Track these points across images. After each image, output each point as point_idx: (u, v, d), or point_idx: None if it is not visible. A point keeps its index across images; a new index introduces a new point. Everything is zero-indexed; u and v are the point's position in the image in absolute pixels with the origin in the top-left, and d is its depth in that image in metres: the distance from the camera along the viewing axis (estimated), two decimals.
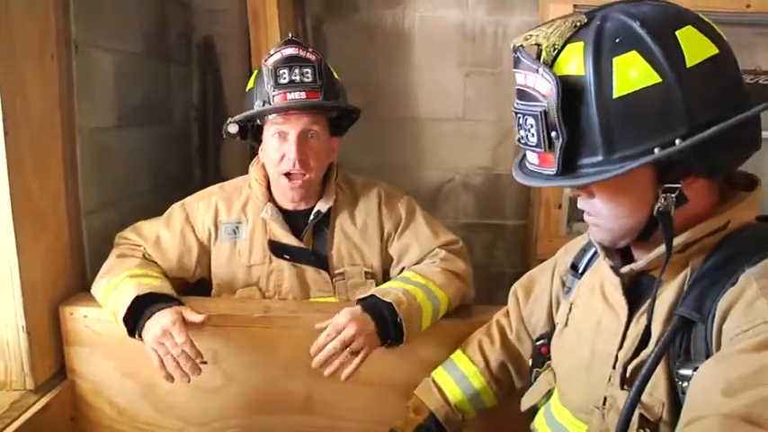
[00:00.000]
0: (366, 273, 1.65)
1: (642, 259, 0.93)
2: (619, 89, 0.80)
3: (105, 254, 1.60)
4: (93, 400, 1.57)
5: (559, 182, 0.86)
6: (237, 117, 1.56)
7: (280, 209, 1.65)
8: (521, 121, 0.86)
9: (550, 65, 0.83)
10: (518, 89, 0.87)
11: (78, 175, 1.64)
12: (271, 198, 1.65)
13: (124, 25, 1.94)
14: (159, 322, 1.36)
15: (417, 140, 2.56)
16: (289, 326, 1.51)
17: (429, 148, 2.56)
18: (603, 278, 1.02)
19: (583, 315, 1.06)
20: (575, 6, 2.11)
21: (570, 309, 1.10)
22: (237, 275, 1.64)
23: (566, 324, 1.10)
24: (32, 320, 1.45)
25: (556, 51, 0.84)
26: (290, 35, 1.61)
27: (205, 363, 1.40)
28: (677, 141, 0.79)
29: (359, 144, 2.29)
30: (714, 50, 0.83)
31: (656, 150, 0.80)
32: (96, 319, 1.53)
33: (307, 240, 1.65)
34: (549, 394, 1.14)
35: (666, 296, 0.91)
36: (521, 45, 0.86)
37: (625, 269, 0.96)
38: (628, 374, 0.93)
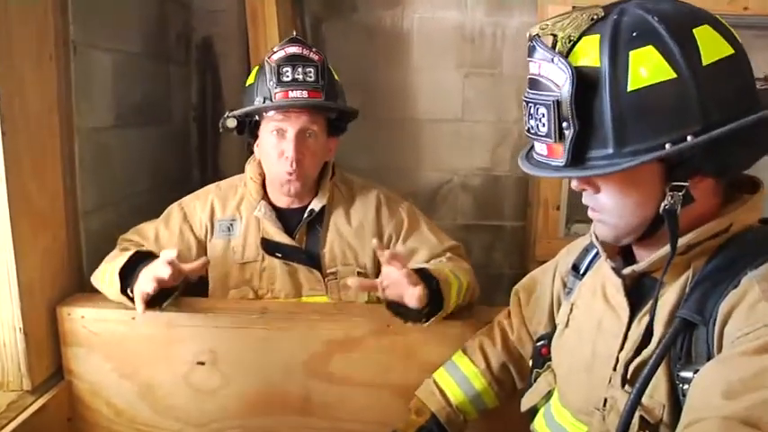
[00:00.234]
0: (358, 273, 1.65)
1: (644, 260, 0.93)
2: (633, 83, 0.80)
3: (103, 254, 1.59)
4: (90, 401, 1.57)
5: (568, 173, 0.86)
6: (237, 111, 1.57)
7: (274, 207, 1.66)
8: (531, 111, 0.86)
9: (566, 55, 0.83)
10: (530, 78, 0.87)
11: (76, 176, 1.64)
12: (265, 196, 1.66)
13: (123, 25, 1.94)
14: (149, 269, 1.37)
15: (416, 141, 2.56)
16: (287, 327, 1.51)
17: (428, 148, 2.56)
18: (605, 279, 1.02)
19: (584, 316, 1.06)
20: (573, 7, 2.10)
21: (571, 310, 1.10)
22: (231, 272, 1.65)
23: (566, 325, 1.10)
24: (30, 321, 1.44)
25: (571, 43, 0.84)
26: (294, 34, 1.62)
27: (202, 363, 1.39)
28: (689, 138, 0.79)
29: (357, 144, 2.29)
30: (730, 51, 0.83)
31: (667, 146, 0.80)
32: (94, 320, 1.52)
33: (299, 239, 1.66)
34: (548, 395, 1.13)
35: (668, 298, 0.91)
36: (536, 34, 0.85)
37: (627, 270, 0.96)
38: (628, 376, 0.92)
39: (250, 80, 1.62)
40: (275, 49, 1.55)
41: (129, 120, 1.97)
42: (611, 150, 0.82)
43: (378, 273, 1.66)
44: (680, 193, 0.85)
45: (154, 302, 1.41)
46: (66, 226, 1.58)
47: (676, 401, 0.86)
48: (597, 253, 1.06)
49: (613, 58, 0.81)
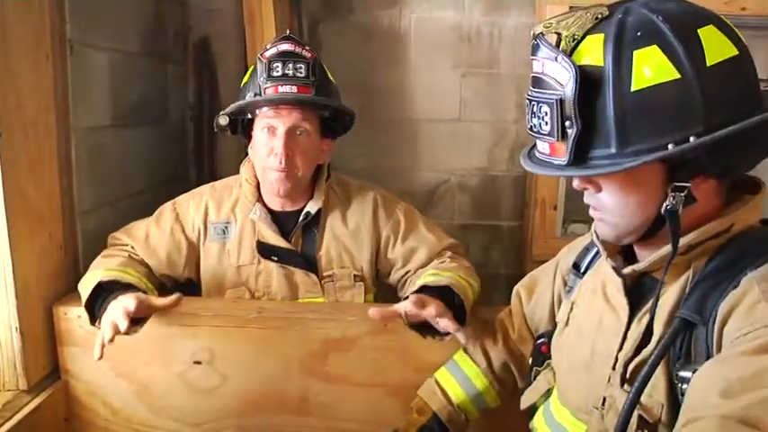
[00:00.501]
0: (355, 276, 1.65)
1: (645, 260, 0.93)
2: (637, 82, 0.80)
3: (99, 254, 1.59)
4: (86, 401, 1.56)
5: (570, 172, 0.86)
6: (229, 108, 1.56)
7: (269, 210, 1.65)
8: (534, 109, 0.86)
9: (569, 54, 0.83)
10: (534, 77, 0.87)
11: (73, 175, 1.63)
12: (260, 198, 1.65)
13: (120, 25, 1.93)
14: (118, 303, 1.35)
15: (413, 141, 2.55)
16: (283, 326, 1.51)
17: (425, 149, 2.56)
18: (605, 278, 1.02)
19: (584, 315, 1.06)
20: (570, 7, 2.10)
21: (571, 308, 1.10)
22: (226, 276, 1.64)
23: (566, 323, 1.10)
24: (26, 320, 1.44)
25: (575, 42, 0.84)
26: (287, 32, 1.61)
27: (199, 363, 1.39)
28: (692, 139, 0.79)
29: (355, 145, 2.29)
30: (734, 51, 0.83)
31: (669, 146, 0.80)
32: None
33: (295, 242, 1.65)
34: (548, 393, 1.14)
35: (668, 298, 0.91)
36: (541, 33, 0.85)
37: (627, 270, 0.96)
38: (627, 375, 0.93)
39: (245, 79, 1.62)
40: (268, 46, 1.54)
41: (125, 119, 1.97)
42: (613, 150, 0.82)
43: (374, 275, 1.67)
44: (682, 194, 0.85)
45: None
46: (62, 225, 1.58)
47: (675, 401, 0.86)
48: (598, 252, 1.06)
49: (617, 57, 0.81)
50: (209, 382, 1.53)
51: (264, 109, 1.54)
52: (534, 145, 0.92)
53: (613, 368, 0.95)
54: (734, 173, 0.90)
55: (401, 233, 1.66)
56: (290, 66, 1.50)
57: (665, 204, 0.85)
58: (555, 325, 1.17)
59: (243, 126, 1.60)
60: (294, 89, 1.50)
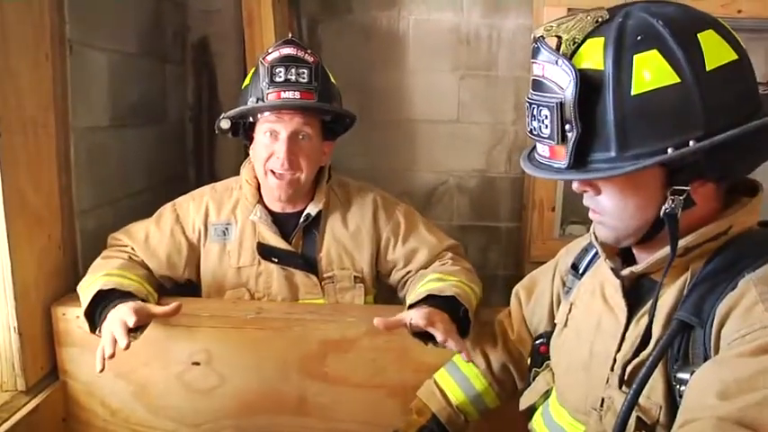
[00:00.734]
0: (355, 277, 1.65)
1: (643, 262, 0.94)
2: (637, 86, 0.80)
3: (99, 254, 1.59)
4: (85, 401, 1.56)
5: (569, 175, 0.86)
6: (230, 112, 1.56)
7: (269, 211, 1.65)
8: (534, 112, 0.86)
9: (569, 58, 0.83)
10: (534, 80, 0.87)
11: (72, 175, 1.63)
12: (260, 200, 1.65)
13: (119, 25, 1.94)
14: (117, 313, 1.35)
15: (412, 143, 2.56)
16: (282, 327, 1.51)
17: (423, 150, 2.56)
18: (604, 280, 1.02)
19: (582, 316, 1.06)
20: (568, 9, 2.12)
21: (570, 309, 1.10)
22: (227, 277, 1.64)
23: (565, 324, 1.10)
24: (24, 321, 1.44)
25: (576, 45, 0.84)
26: (289, 35, 1.62)
27: (197, 363, 1.39)
28: (691, 143, 0.80)
29: (353, 146, 2.29)
30: (733, 56, 0.83)
31: (669, 150, 0.80)
32: None
33: (296, 243, 1.65)
34: (547, 394, 1.14)
35: (666, 300, 0.91)
36: (541, 36, 0.85)
37: (625, 272, 0.96)
38: (626, 376, 0.93)
39: (246, 82, 1.61)
40: (270, 50, 1.54)
41: (124, 119, 1.97)
42: (613, 153, 0.82)
43: (374, 276, 1.67)
44: (681, 197, 0.85)
45: None
46: (61, 226, 1.58)
47: (673, 402, 0.87)
48: (596, 253, 1.06)
49: (617, 61, 0.81)
50: (207, 383, 1.53)
51: (266, 114, 1.54)
52: (534, 147, 0.93)
53: (612, 369, 0.96)
54: (733, 176, 0.90)
55: (401, 234, 1.67)
56: (293, 71, 1.50)
57: (664, 208, 0.85)
58: (554, 326, 1.17)
59: (244, 129, 1.60)
60: (297, 95, 1.51)
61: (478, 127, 2.53)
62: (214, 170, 2.48)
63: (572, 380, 1.04)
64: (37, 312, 1.50)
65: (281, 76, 1.50)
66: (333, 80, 1.63)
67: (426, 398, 1.37)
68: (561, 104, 0.82)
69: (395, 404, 1.50)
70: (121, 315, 1.33)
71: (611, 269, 0.98)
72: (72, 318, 1.52)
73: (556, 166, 0.86)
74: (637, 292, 0.97)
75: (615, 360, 0.96)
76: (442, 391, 1.35)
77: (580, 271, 1.13)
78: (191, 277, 1.66)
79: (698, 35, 0.82)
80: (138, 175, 2.08)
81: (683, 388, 0.84)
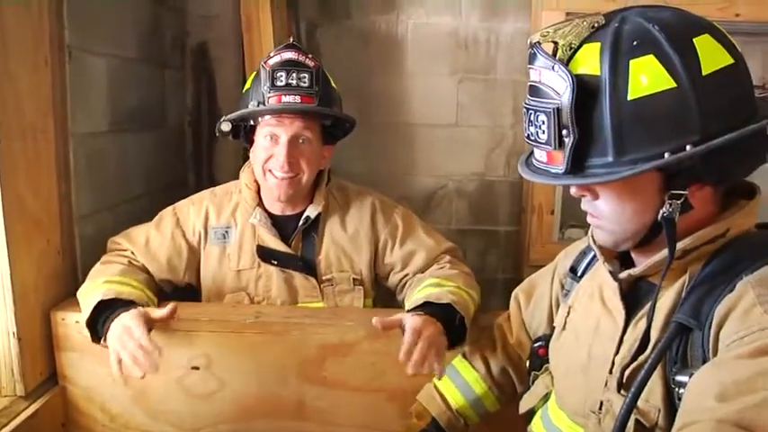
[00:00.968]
0: (354, 279, 1.66)
1: (641, 265, 0.94)
2: (633, 91, 0.80)
3: (98, 259, 1.59)
4: (84, 406, 1.56)
5: (567, 180, 0.86)
6: (231, 115, 1.57)
7: (269, 214, 1.65)
8: (531, 118, 0.86)
9: (566, 63, 0.83)
10: (531, 85, 0.87)
11: (71, 180, 1.63)
12: (260, 203, 1.65)
13: (118, 30, 1.94)
14: (119, 322, 1.34)
15: (410, 147, 2.56)
16: (280, 331, 1.51)
17: (422, 154, 2.57)
18: (602, 282, 1.02)
19: (581, 318, 1.06)
20: (567, 14, 2.13)
21: (568, 312, 1.10)
22: (226, 280, 1.64)
23: (564, 327, 1.10)
24: (24, 326, 1.44)
25: (572, 50, 0.85)
26: (291, 40, 1.63)
27: (197, 368, 1.39)
28: (688, 148, 0.80)
29: (352, 150, 2.29)
30: (729, 60, 0.83)
31: (666, 155, 0.80)
32: None
33: (295, 246, 1.66)
34: (546, 397, 1.14)
35: (664, 302, 0.91)
36: (537, 42, 0.86)
37: (623, 275, 0.96)
38: (624, 379, 0.93)
39: (247, 85, 1.62)
40: (271, 54, 1.55)
41: (123, 125, 1.97)
42: (610, 158, 0.83)
43: (373, 278, 1.68)
44: (678, 201, 0.85)
45: None
46: (60, 231, 1.58)
47: (672, 405, 0.87)
48: (595, 256, 1.06)
49: (614, 66, 0.81)
50: (206, 388, 1.53)
51: (267, 117, 1.55)
52: (532, 153, 0.93)
53: (610, 372, 0.96)
54: (730, 180, 0.90)
55: (399, 237, 1.67)
56: (294, 75, 1.51)
57: (661, 212, 0.86)
58: (553, 329, 1.17)
59: (245, 131, 1.61)
60: (297, 99, 1.51)
61: (477, 130, 2.54)
62: (213, 175, 2.49)
63: (571, 383, 1.04)
64: (36, 317, 1.49)
65: (282, 81, 1.51)
66: (333, 84, 1.64)
67: (426, 402, 1.36)
68: (558, 110, 0.82)
69: (394, 408, 1.50)
70: (125, 323, 1.33)
71: (610, 272, 0.98)
72: (71, 323, 1.52)
73: (553, 171, 0.87)
74: (635, 295, 0.97)
75: (613, 363, 0.96)
76: (441, 395, 1.35)
77: (578, 274, 1.13)
78: (191, 281, 1.67)
79: (694, 40, 0.82)
80: (137, 181, 2.08)
81: (681, 391, 0.84)
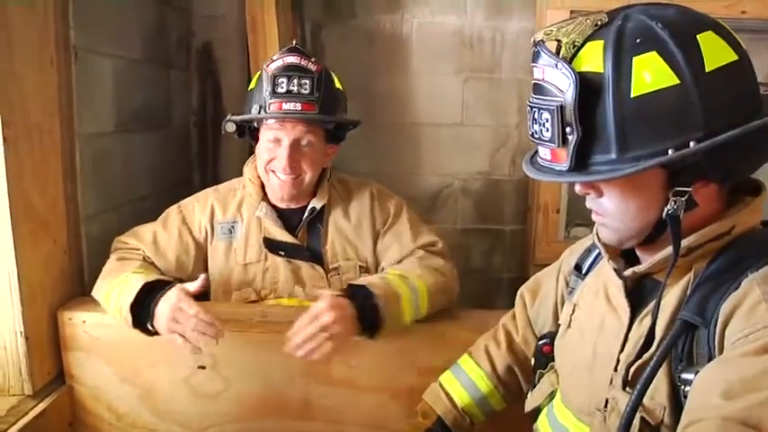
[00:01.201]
0: (360, 267, 1.67)
1: (646, 262, 0.94)
2: (636, 88, 0.80)
3: (104, 259, 1.60)
4: (91, 406, 1.57)
5: (571, 178, 0.86)
6: (236, 118, 1.59)
7: (274, 207, 1.67)
8: (535, 116, 0.86)
9: (569, 61, 0.83)
10: (535, 84, 0.87)
11: (77, 181, 1.64)
12: (265, 197, 1.67)
13: (123, 31, 1.95)
14: (167, 304, 1.38)
15: (416, 146, 2.56)
16: (287, 330, 1.50)
17: (427, 153, 2.57)
18: (607, 280, 1.02)
19: (586, 316, 1.06)
20: (571, 12, 2.12)
21: (573, 310, 1.10)
22: (233, 274, 1.66)
23: (569, 325, 1.10)
24: (31, 325, 1.45)
25: (575, 48, 0.84)
26: (293, 43, 1.63)
27: (203, 367, 1.40)
28: (692, 144, 0.79)
29: (357, 150, 2.29)
30: (733, 57, 0.83)
31: (670, 152, 0.80)
32: (95, 324, 1.53)
33: (301, 237, 1.67)
34: (552, 395, 1.14)
35: (669, 300, 0.91)
36: (541, 40, 0.86)
37: (628, 272, 0.96)
38: (629, 377, 0.92)
39: (252, 84, 1.64)
40: (274, 58, 1.56)
41: (129, 125, 1.98)
42: (614, 155, 0.82)
43: (377, 266, 1.69)
44: (683, 199, 0.85)
45: None
46: (67, 231, 1.59)
47: (677, 403, 0.86)
48: (599, 253, 1.06)
49: (617, 63, 0.81)
50: (213, 387, 1.54)
51: (270, 121, 1.56)
52: (536, 151, 0.93)
53: (615, 370, 0.95)
54: (735, 177, 0.90)
55: (386, 227, 1.69)
56: (295, 81, 1.52)
57: (666, 209, 0.85)
58: (558, 327, 1.17)
59: (250, 130, 1.63)
60: (298, 106, 1.52)
61: (482, 130, 2.54)
62: (218, 175, 2.49)
63: (576, 381, 1.04)
64: (43, 317, 1.50)
65: (282, 87, 1.52)
66: (338, 85, 1.65)
67: (432, 401, 1.36)
68: (562, 107, 0.82)
69: (399, 407, 1.50)
70: (173, 303, 1.37)
71: (614, 270, 0.98)
72: (78, 322, 1.53)
73: (557, 168, 0.87)
74: (639, 293, 0.97)
75: (618, 361, 0.95)
76: (447, 394, 1.35)
77: (583, 271, 1.13)
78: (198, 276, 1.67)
79: (697, 36, 0.82)
80: (142, 181, 2.09)
81: (687, 388, 0.83)
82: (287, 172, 1.55)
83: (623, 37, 0.82)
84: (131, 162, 2.00)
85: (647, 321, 0.92)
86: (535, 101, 0.87)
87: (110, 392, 1.56)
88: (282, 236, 1.64)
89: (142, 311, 1.41)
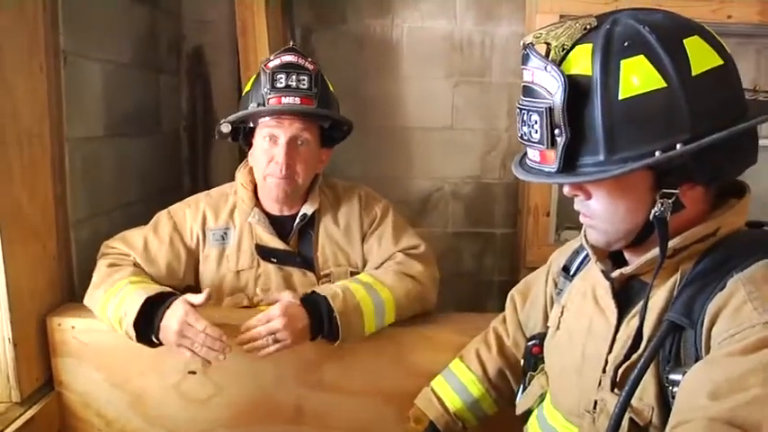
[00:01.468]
0: (351, 273, 1.66)
1: (633, 263, 0.94)
2: (624, 91, 0.81)
3: (94, 264, 1.58)
4: (80, 412, 1.56)
5: (559, 179, 0.87)
6: (231, 117, 1.59)
7: (266, 214, 1.66)
8: (524, 118, 0.87)
9: (558, 64, 0.84)
10: (524, 86, 0.88)
11: (67, 185, 1.64)
12: (257, 203, 1.66)
13: (113, 35, 1.94)
14: (173, 317, 1.37)
15: (406, 150, 2.57)
16: None
17: (418, 157, 2.58)
18: (595, 282, 1.03)
19: (574, 318, 1.07)
20: (560, 16, 2.13)
21: (562, 312, 1.11)
22: (226, 281, 1.65)
23: (557, 327, 1.11)
24: (19, 331, 1.44)
25: (564, 51, 0.85)
26: (291, 43, 1.65)
27: (193, 372, 1.39)
28: (678, 146, 0.80)
29: (348, 154, 2.30)
30: (719, 61, 0.84)
31: (657, 153, 0.81)
32: (84, 330, 1.52)
33: (293, 244, 1.67)
34: (542, 397, 1.14)
35: (656, 301, 0.92)
36: (530, 43, 0.86)
37: (615, 273, 0.97)
38: (618, 378, 0.93)
39: (246, 88, 1.64)
40: (271, 57, 1.57)
41: (119, 129, 1.98)
42: (602, 157, 0.83)
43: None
44: (670, 201, 0.86)
45: None
46: (56, 235, 1.58)
47: (665, 404, 0.87)
48: (587, 254, 1.07)
49: (605, 66, 0.82)
50: (203, 392, 1.53)
51: (266, 118, 1.56)
52: (525, 153, 0.94)
53: (604, 371, 0.96)
54: (722, 179, 0.91)
55: (371, 230, 1.70)
56: (294, 77, 1.53)
57: (653, 211, 0.86)
58: (548, 328, 1.18)
59: (244, 134, 1.63)
60: (297, 100, 1.53)
61: (472, 133, 2.55)
62: (209, 180, 2.49)
63: (565, 382, 1.05)
64: (32, 323, 1.49)
65: (281, 82, 1.53)
66: (331, 88, 1.65)
67: (424, 406, 1.37)
68: (550, 109, 0.83)
69: (391, 411, 1.50)
70: (180, 317, 1.37)
71: (602, 271, 0.99)
72: (67, 328, 1.52)
73: (546, 170, 0.87)
74: (627, 294, 0.98)
75: (607, 362, 0.96)
76: (439, 399, 1.35)
77: (571, 272, 1.14)
78: (189, 283, 1.66)
79: (684, 41, 0.83)
80: (132, 185, 2.08)
81: (675, 389, 0.84)
82: (283, 171, 1.55)
83: (612, 40, 0.83)
84: (121, 167, 2.00)
85: (635, 322, 0.92)
86: (524, 103, 0.88)
87: (99, 398, 1.55)
88: (274, 242, 1.64)
89: (146, 326, 1.40)
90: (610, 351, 0.96)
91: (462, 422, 1.35)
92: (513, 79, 2.45)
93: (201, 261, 1.65)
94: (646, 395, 0.88)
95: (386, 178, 2.53)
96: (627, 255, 0.98)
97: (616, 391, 0.93)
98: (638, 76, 0.81)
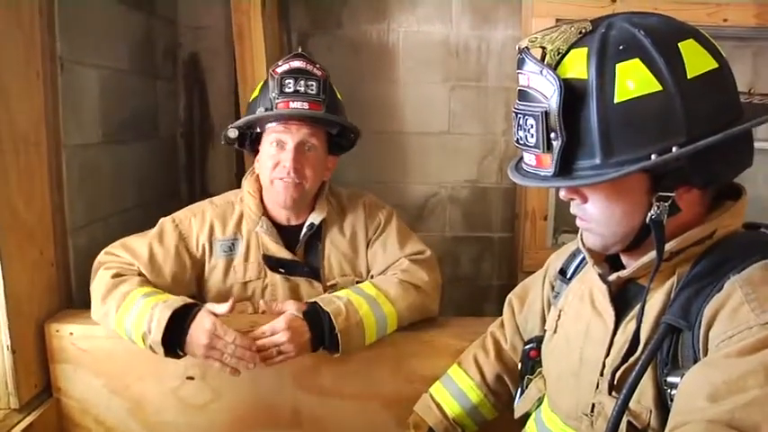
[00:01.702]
0: (357, 282, 1.65)
1: (630, 267, 0.95)
2: (620, 94, 0.82)
3: (91, 270, 1.58)
4: (79, 419, 1.56)
5: (555, 183, 0.87)
6: (239, 122, 1.59)
7: (274, 223, 1.65)
8: (520, 122, 0.88)
9: (554, 68, 0.85)
10: (520, 90, 0.89)
11: (64, 192, 1.64)
12: (264, 212, 1.65)
13: (110, 42, 1.95)
14: (201, 330, 1.36)
15: (403, 155, 2.57)
16: None
17: (415, 162, 2.58)
18: (592, 285, 1.03)
19: (571, 322, 1.07)
20: (556, 20, 2.15)
21: (559, 316, 1.11)
22: (232, 292, 1.64)
23: (555, 331, 1.11)
24: (17, 338, 1.44)
25: (560, 55, 0.86)
26: (299, 49, 1.64)
27: (192, 378, 1.38)
28: (674, 149, 0.81)
29: (345, 158, 2.27)
30: (714, 65, 0.85)
31: (652, 157, 0.81)
32: (83, 336, 1.52)
33: (300, 254, 1.66)
34: (540, 400, 1.14)
35: (653, 304, 0.92)
36: (526, 47, 0.87)
37: (612, 277, 0.97)
38: (615, 381, 0.93)
39: (254, 94, 1.63)
40: (280, 63, 1.57)
41: (116, 136, 1.98)
42: (598, 161, 0.84)
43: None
44: (666, 204, 0.86)
45: None
46: (53, 242, 1.58)
47: (663, 406, 0.87)
48: (584, 258, 1.07)
49: (600, 70, 0.83)
50: (201, 398, 1.53)
51: (274, 124, 1.55)
52: (521, 157, 0.94)
53: (601, 375, 0.96)
54: (717, 182, 0.91)
55: (375, 236, 1.69)
56: (302, 82, 1.53)
57: (649, 214, 0.87)
58: (545, 331, 1.18)
59: (251, 140, 1.62)
60: (305, 105, 1.53)
61: (469, 138, 2.55)
62: (206, 186, 2.49)
63: (563, 386, 1.05)
64: (30, 329, 1.49)
65: (290, 87, 1.53)
66: (339, 96, 1.65)
67: (423, 412, 1.36)
68: (546, 113, 0.83)
69: (389, 416, 1.50)
70: (208, 328, 1.37)
71: (599, 275, 0.99)
72: (66, 334, 1.52)
73: (542, 174, 0.88)
74: (624, 297, 0.98)
75: (604, 365, 0.96)
76: (438, 405, 1.35)
77: (568, 276, 1.14)
78: (191, 293, 1.63)
79: (679, 44, 0.83)
80: (130, 192, 2.08)
81: (673, 392, 0.84)
82: (290, 175, 1.54)
83: (607, 44, 0.84)
84: (118, 173, 2.00)
85: (632, 326, 0.93)
86: (520, 107, 0.88)
87: (98, 405, 1.55)
88: (282, 253, 1.63)
89: (171, 339, 1.38)
90: (607, 354, 0.96)
91: (461, 428, 1.35)
92: (510, 83, 2.45)
93: (207, 271, 1.64)
94: (644, 398, 0.89)
95: (383, 183, 2.53)
96: (624, 258, 0.98)
97: (614, 394, 0.93)
98: (634, 80, 0.82)
